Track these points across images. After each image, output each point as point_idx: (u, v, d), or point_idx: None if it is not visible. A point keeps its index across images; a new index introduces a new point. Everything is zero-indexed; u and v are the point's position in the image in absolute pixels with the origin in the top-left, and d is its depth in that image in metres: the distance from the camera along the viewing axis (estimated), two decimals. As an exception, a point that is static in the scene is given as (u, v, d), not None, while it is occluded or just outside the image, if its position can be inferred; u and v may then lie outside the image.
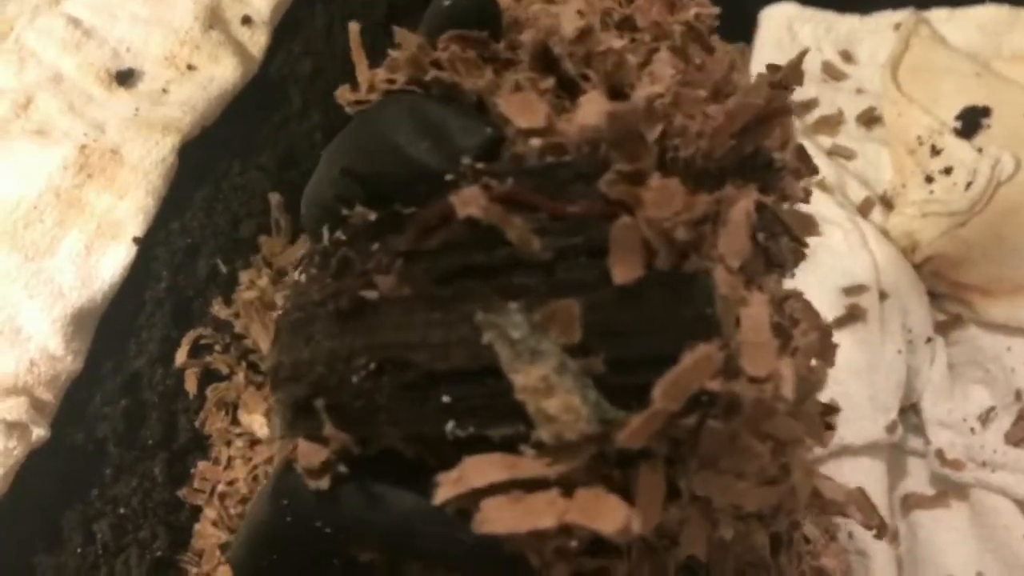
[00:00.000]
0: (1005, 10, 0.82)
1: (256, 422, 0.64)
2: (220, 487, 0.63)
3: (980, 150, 0.72)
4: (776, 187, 0.35)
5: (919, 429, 0.65)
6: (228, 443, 0.64)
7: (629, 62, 0.33)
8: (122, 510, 0.61)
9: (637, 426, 0.24)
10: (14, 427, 0.60)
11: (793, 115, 0.71)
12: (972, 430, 0.63)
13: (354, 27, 0.36)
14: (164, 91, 0.73)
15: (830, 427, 0.41)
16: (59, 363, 0.63)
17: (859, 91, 0.81)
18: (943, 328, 0.68)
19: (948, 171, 0.72)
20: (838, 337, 0.65)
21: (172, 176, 0.70)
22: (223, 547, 0.61)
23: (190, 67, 0.75)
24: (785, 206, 0.36)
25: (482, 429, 0.26)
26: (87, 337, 0.65)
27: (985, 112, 0.74)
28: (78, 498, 0.62)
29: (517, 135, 0.29)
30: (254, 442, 0.64)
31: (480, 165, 0.28)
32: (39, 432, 0.61)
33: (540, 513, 0.25)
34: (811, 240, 0.70)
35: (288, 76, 0.78)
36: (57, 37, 0.74)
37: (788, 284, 0.69)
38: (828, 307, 0.66)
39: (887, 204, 0.74)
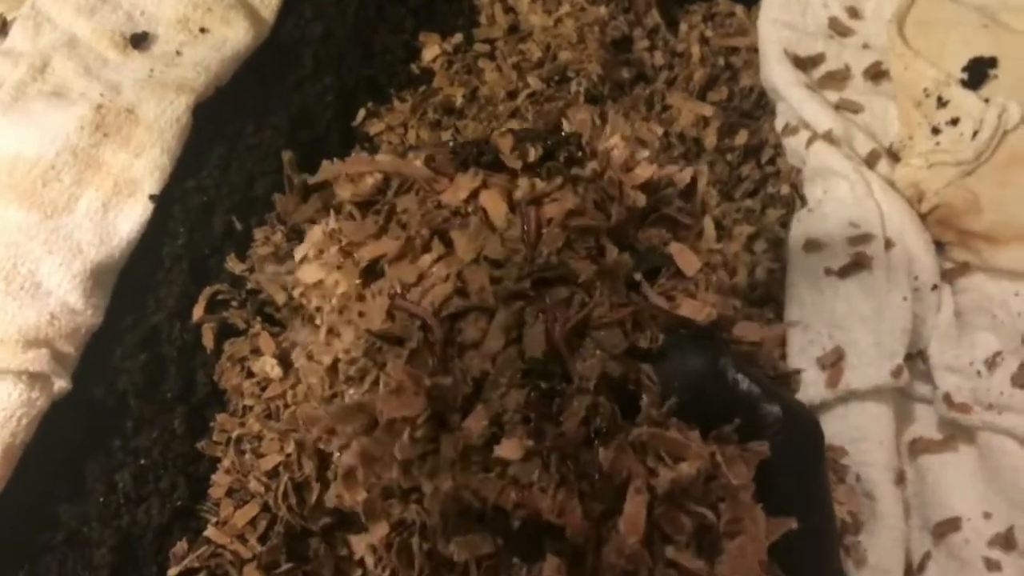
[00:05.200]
0: (1012, -37, 0.82)
1: (268, 364, 0.64)
2: (235, 432, 0.63)
3: (987, 100, 0.72)
4: None
5: (926, 376, 0.65)
6: (243, 395, 0.65)
7: None
8: (143, 461, 0.63)
9: None
10: (36, 378, 0.61)
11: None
12: (979, 374, 0.63)
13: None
14: (178, 53, 0.74)
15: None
16: (79, 317, 0.64)
17: (865, 46, 0.81)
18: (950, 276, 0.68)
19: (955, 122, 0.72)
20: (844, 285, 0.66)
21: (187, 135, 0.71)
22: (230, 492, 0.61)
23: (203, 30, 0.76)
24: None
25: None
26: (106, 292, 0.66)
27: (992, 63, 0.74)
28: (101, 449, 0.63)
29: None
30: (266, 383, 0.64)
31: None
32: (61, 384, 0.62)
33: None
34: (818, 191, 0.71)
35: (300, 39, 0.79)
36: (72, 2, 0.75)
37: (795, 230, 0.69)
38: (834, 256, 0.67)
39: (893, 156, 0.74)
